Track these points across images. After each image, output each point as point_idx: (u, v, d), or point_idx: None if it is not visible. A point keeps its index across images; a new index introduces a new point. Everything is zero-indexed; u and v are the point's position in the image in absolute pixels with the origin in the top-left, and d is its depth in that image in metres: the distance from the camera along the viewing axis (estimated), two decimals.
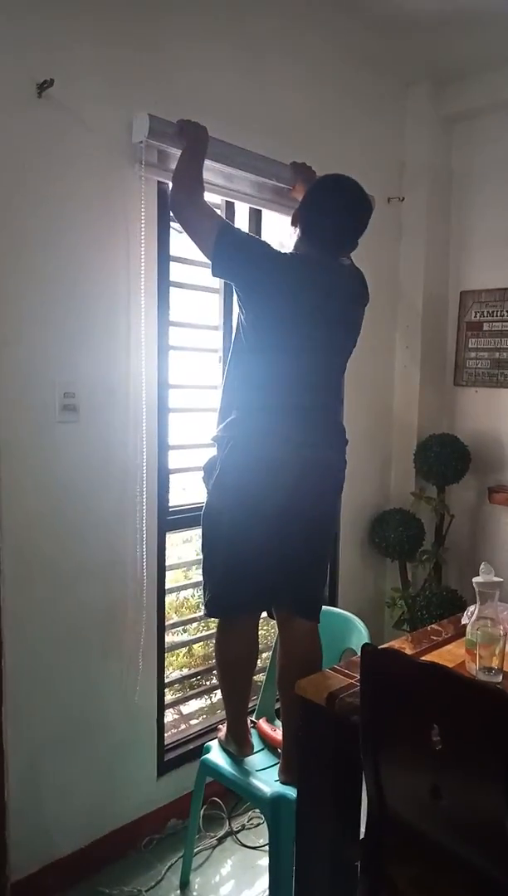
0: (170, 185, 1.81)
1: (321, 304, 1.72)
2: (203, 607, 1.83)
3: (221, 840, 2.14)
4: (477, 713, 1.13)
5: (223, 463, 1.72)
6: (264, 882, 1.96)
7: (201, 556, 1.85)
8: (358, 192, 1.75)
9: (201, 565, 1.83)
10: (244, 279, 1.71)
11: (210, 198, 2.13)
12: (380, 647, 1.38)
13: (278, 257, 1.73)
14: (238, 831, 2.17)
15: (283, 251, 1.78)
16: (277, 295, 1.69)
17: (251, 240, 1.79)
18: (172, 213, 1.82)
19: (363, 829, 1.44)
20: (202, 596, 1.83)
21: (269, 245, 1.76)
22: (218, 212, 1.96)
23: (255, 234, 2.31)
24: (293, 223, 1.82)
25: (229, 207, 2.23)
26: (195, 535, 2.64)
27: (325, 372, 1.79)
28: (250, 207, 2.27)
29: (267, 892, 1.84)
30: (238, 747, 1.88)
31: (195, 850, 2.02)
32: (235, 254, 1.69)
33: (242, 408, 1.73)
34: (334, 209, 1.74)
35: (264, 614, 1.91)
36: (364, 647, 1.29)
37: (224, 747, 1.91)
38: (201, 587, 1.85)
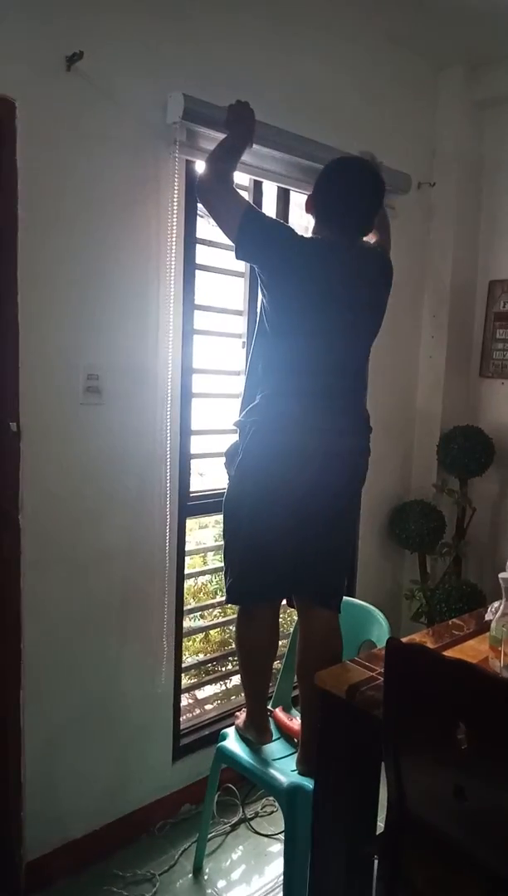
0: (203, 165, 1.77)
1: (343, 288, 1.70)
2: (225, 593, 1.81)
3: (234, 826, 2.14)
4: (505, 713, 1.10)
5: (246, 449, 1.71)
6: (275, 869, 1.96)
7: (219, 543, 1.84)
8: (367, 171, 1.75)
9: (223, 551, 1.81)
10: (268, 263, 1.70)
11: (238, 177, 2.09)
12: (402, 640, 1.36)
13: (301, 241, 1.72)
14: (252, 818, 2.17)
15: (306, 236, 1.76)
16: (300, 279, 1.67)
17: (276, 224, 1.78)
18: (198, 195, 1.79)
19: (380, 825, 1.42)
20: (223, 582, 1.81)
21: (293, 229, 1.74)
22: (245, 196, 1.93)
23: (281, 218, 2.27)
24: (308, 210, 1.80)
25: (257, 187, 2.18)
26: (213, 520, 2.64)
27: (349, 356, 1.76)
28: (279, 187, 2.23)
29: (279, 880, 1.84)
30: (258, 735, 1.87)
31: (209, 836, 2.02)
32: (259, 237, 1.68)
33: (265, 393, 1.71)
34: (344, 191, 1.73)
35: (284, 602, 1.89)
36: (390, 640, 1.26)
37: (242, 734, 1.90)
38: (222, 573, 1.83)
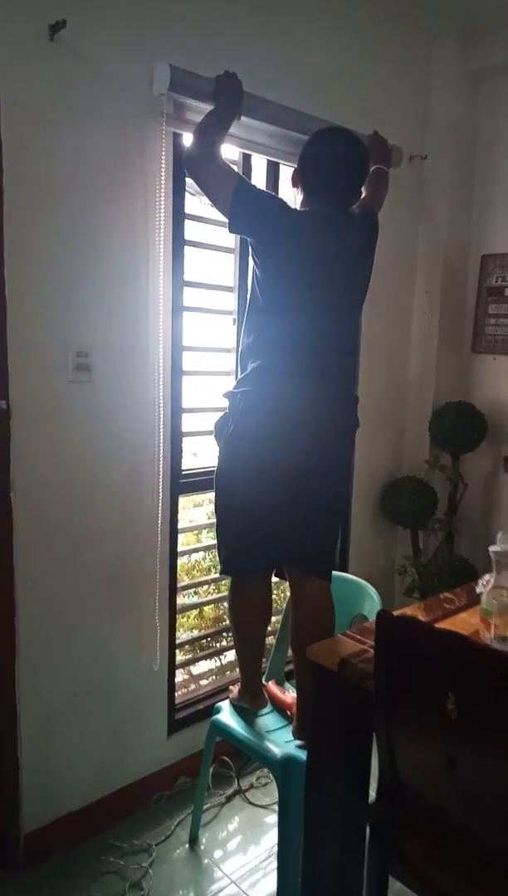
0: (192, 137, 1.75)
1: (335, 260, 1.71)
2: (219, 565, 1.83)
3: (229, 798, 2.18)
4: (495, 683, 1.11)
5: (237, 419, 1.71)
6: (270, 839, 1.99)
7: (212, 520, 1.84)
8: (351, 141, 1.75)
9: (215, 524, 1.82)
10: (261, 235, 1.69)
11: (227, 150, 2.06)
12: (394, 613, 1.37)
13: (293, 213, 1.71)
14: (246, 790, 2.21)
15: (295, 208, 1.75)
16: (293, 250, 1.67)
17: (269, 196, 1.77)
18: (186, 168, 1.76)
19: (372, 794, 1.45)
20: (218, 555, 1.83)
21: (284, 201, 1.73)
22: (235, 168, 1.91)
23: (271, 191, 2.24)
24: (294, 184, 1.80)
25: (247, 160, 2.15)
26: (206, 498, 2.64)
27: (340, 329, 1.77)
28: (268, 160, 2.20)
29: (274, 849, 1.88)
30: (253, 700, 1.90)
31: (204, 808, 2.05)
32: (251, 209, 1.67)
33: (256, 364, 1.71)
34: (329, 160, 1.73)
35: (277, 579, 1.91)
36: (380, 613, 1.27)
37: (236, 704, 1.92)
38: (216, 550, 1.84)
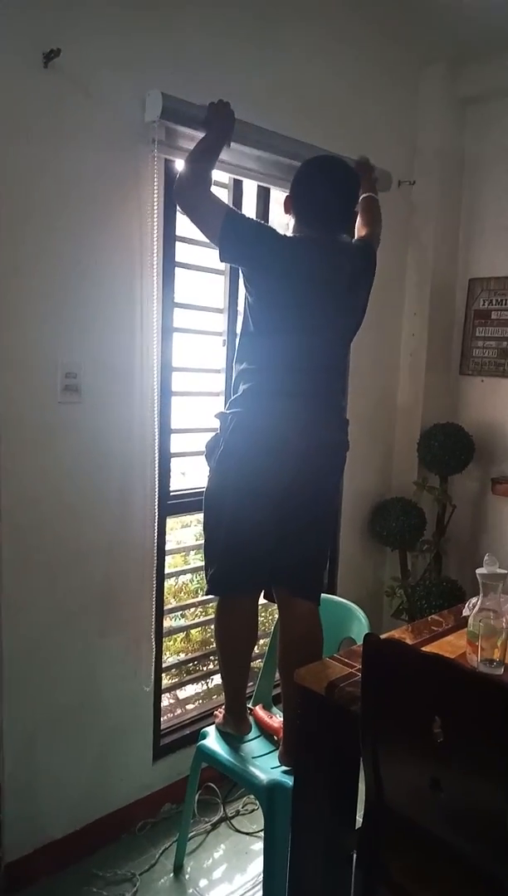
0: (181, 167, 1.77)
1: (325, 285, 1.72)
2: (206, 584, 1.82)
3: (215, 825, 2.14)
4: (479, 706, 1.11)
5: (227, 441, 1.72)
6: (257, 867, 1.96)
7: (200, 541, 1.83)
8: (342, 166, 1.79)
9: (204, 544, 1.81)
10: (251, 263, 1.71)
11: (217, 175, 2.09)
12: (381, 636, 1.36)
13: (283, 240, 1.73)
14: (233, 817, 2.17)
15: (287, 234, 1.77)
16: (283, 277, 1.69)
17: (257, 224, 1.79)
18: (176, 199, 1.78)
19: (359, 819, 1.43)
20: (204, 574, 1.82)
21: (274, 229, 1.76)
22: (224, 196, 1.94)
23: (261, 216, 2.28)
24: (286, 210, 1.82)
25: (238, 185, 2.18)
26: (194, 519, 2.63)
27: (329, 353, 1.78)
28: (259, 185, 2.23)
29: (260, 877, 1.84)
30: (236, 725, 1.88)
31: (190, 835, 2.01)
32: (241, 240, 1.69)
33: (247, 386, 1.72)
34: (320, 187, 1.76)
35: (265, 601, 1.90)
36: (367, 636, 1.27)
37: (221, 729, 1.90)
38: (203, 572, 1.83)
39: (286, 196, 1.81)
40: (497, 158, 2.72)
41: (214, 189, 1.76)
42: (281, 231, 1.76)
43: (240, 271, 1.77)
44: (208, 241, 1.74)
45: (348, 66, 2.41)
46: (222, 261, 1.76)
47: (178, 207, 1.93)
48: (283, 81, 2.17)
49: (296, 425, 1.69)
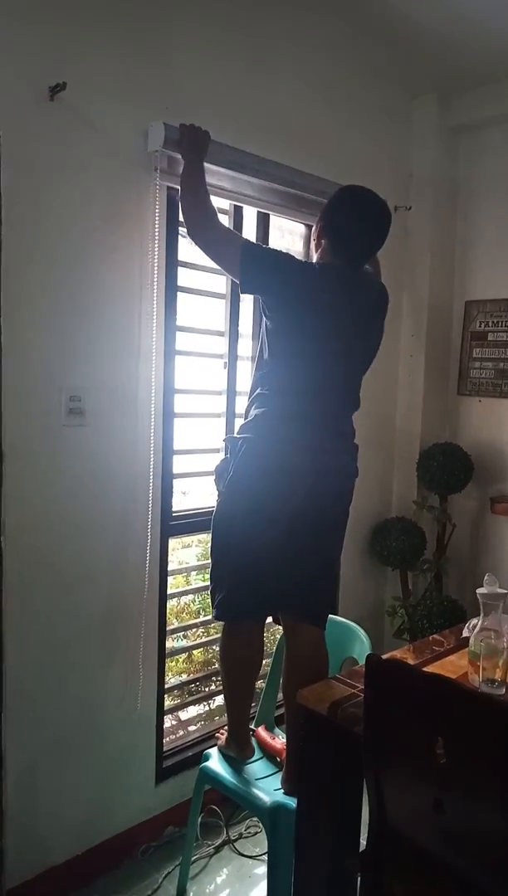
0: (180, 204, 1.81)
1: (344, 313, 1.74)
2: (213, 609, 1.82)
3: (218, 848, 2.12)
4: (483, 728, 1.12)
5: (236, 466, 1.72)
6: (260, 892, 1.94)
7: (202, 562, 1.85)
8: (378, 201, 1.79)
9: (211, 568, 1.82)
10: (273, 292, 1.73)
11: (219, 202, 2.14)
12: (383, 657, 1.37)
13: (303, 267, 1.77)
14: (236, 840, 2.16)
15: (307, 261, 1.80)
16: (303, 303, 1.71)
17: (276, 253, 1.81)
18: (190, 237, 1.81)
19: (363, 841, 1.43)
20: (211, 598, 1.82)
21: (292, 256, 1.79)
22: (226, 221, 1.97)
23: (260, 240, 2.32)
24: (318, 237, 1.83)
25: (237, 212, 2.23)
26: (196, 540, 2.64)
27: (345, 378, 1.79)
28: (258, 211, 2.28)
29: None
30: (239, 750, 1.87)
31: (192, 859, 2.00)
32: (263, 268, 1.71)
33: (259, 412, 1.73)
34: (357, 220, 1.78)
35: (270, 619, 1.90)
36: (369, 657, 1.28)
37: (224, 752, 1.89)
38: (206, 592, 1.84)
39: (320, 223, 1.81)
40: (490, 184, 2.78)
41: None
42: (300, 257, 1.78)
43: (260, 300, 1.79)
44: (209, 260, 1.77)
45: (341, 97, 2.47)
46: (243, 292, 1.79)
47: (181, 229, 1.97)
48: (279, 114, 2.22)
49: (306, 451, 1.69)
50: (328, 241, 1.79)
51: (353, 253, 1.78)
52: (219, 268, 1.84)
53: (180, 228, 2.02)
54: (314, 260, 1.83)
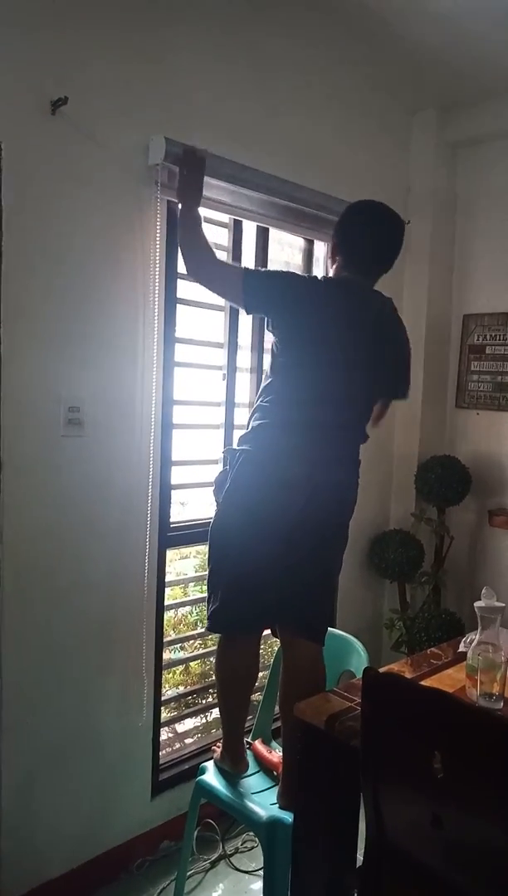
0: (180, 249, 1.84)
1: (346, 324, 1.73)
2: (207, 620, 1.81)
3: (214, 863, 2.11)
4: (481, 742, 1.11)
5: (234, 478, 1.72)
6: None
7: (200, 574, 1.84)
8: (391, 213, 1.81)
9: (207, 578, 1.81)
10: (276, 306, 1.74)
11: (218, 216, 2.16)
12: (381, 670, 1.37)
13: (305, 281, 1.79)
14: (232, 854, 2.14)
15: (311, 276, 1.80)
16: (302, 314, 1.72)
17: (276, 271, 1.83)
18: (194, 279, 1.84)
19: (360, 857, 1.42)
20: (206, 610, 1.81)
21: (294, 273, 1.82)
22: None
23: (259, 251, 2.34)
24: (333, 251, 1.84)
25: (237, 225, 2.24)
26: (193, 551, 2.64)
27: (344, 388, 1.74)
28: (258, 226, 2.30)
29: None
30: (233, 764, 1.86)
31: (188, 874, 1.98)
32: (264, 285, 1.74)
33: (259, 423, 1.73)
34: (370, 232, 1.80)
35: (268, 632, 1.89)
36: (366, 670, 1.28)
37: (219, 765, 1.88)
38: (203, 604, 1.83)
39: (336, 238, 1.82)
40: (489, 199, 2.81)
41: (213, 228, 1.80)
42: (299, 271, 1.79)
43: (266, 319, 1.80)
44: (232, 302, 1.81)
45: (340, 112, 2.50)
46: (248, 312, 1.81)
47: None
48: (278, 127, 2.25)
49: (303, 462, 1.67)
50: (341, 256, 1.80)
51: (367, 265, 1.79)
52: (224, 301, 1.85)
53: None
54: (331, 274, 1.84)
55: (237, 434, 2.32)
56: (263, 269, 1.83)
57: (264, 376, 1.83)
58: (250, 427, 1.75)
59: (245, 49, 2.14)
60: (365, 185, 2.48)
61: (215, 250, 1.81)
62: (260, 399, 1.77)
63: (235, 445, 1.79)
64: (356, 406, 1.79)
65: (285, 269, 1.90)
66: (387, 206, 1.82)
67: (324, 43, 2.35)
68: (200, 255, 1.78)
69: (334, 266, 1.83)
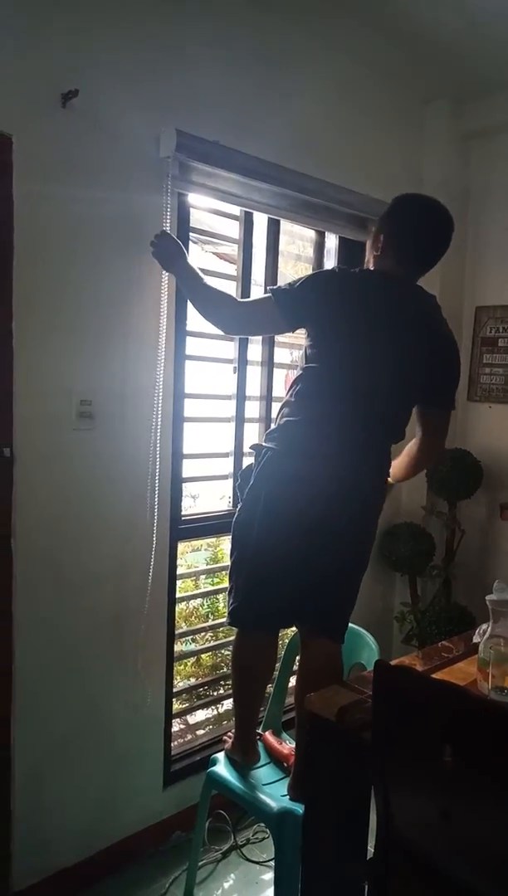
0: (200, 313, 1.85)
1: (373, 316, 1.68)
2: (227, 615, 1.81)
3: (225, 854, 2.12)
4: (491, 735, 1.11)
5: (257, 475, 1.71)
6: None
7: (212, 565, 1.84)
8: (448, 217, 1.77)
9: (228, 572, 1.81)
10: (318, 311, 1.71)
11: (229, 208, 2.15)
12: (391, 663, 1.37)
13: (337, 276, 1.76)
14: (243, 845, 2.15)
15: (341, 268, 1.80)
16: (328, 309, 1.69)
17: (302, 279, 1.75)
18: (223, 331, 1.87)
19: (370, 849, 1.42)
20: (226, 603, 1.81)
21: (318, 275, 1.80)
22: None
23: (270, 243, 2.33)
24: (375, 241, 1.79)
25: (248, 217, 2.24)
26: (205, 543, 2.65)
27: (367, 382, 1.69)
28: (269, 217, 2.29)
29: None
30: (244, 755, 1.86)
31: (200, 864, 2.00)
32: (299, 300, 1.70)
33: (286, 419, 1.71)
34: (425, 232, 1.75)
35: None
36: (378, 663, 1.27)
37: (230, 756, 1.89)
38: (217, 596, 1.84)
39: (382, 229, 1.77)
40: (501, 190, 2.78)
41: (224, 220, 1.79)
42: (310, 264, 1.75)
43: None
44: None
45: (353, 102, 2.47)
46: (292, 330, 1.80)
47: (191, 236, 1.98)
48: (290, 119, 2.23)
49: (326, 459, 1.65)
50: (386, 248, 1.74)
51: (412, 261, 1.74)
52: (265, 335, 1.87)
53: (191, 234, 2.04)
54: (371, 266, 1.79)
55: (248, 428, 2.33)
56: (288, 290, 1.73)
57: (299, 365, 1.78)
58: (277, 422, 1.73)
59: (256, 40, 2.12)
60: (377, 176, 2.47)
61: (226, 292, 1.82)
62: (289, 392, 1.75)
63: (262, 441, 1.76)
64: (386, 402, 1.73)
65: (309, 276, 1.80)
66: (442, 205, 1.76)
67: (335, 32, 2.33)
68: (222, 311, 1.80)
69: (375, 256, 1.78)
